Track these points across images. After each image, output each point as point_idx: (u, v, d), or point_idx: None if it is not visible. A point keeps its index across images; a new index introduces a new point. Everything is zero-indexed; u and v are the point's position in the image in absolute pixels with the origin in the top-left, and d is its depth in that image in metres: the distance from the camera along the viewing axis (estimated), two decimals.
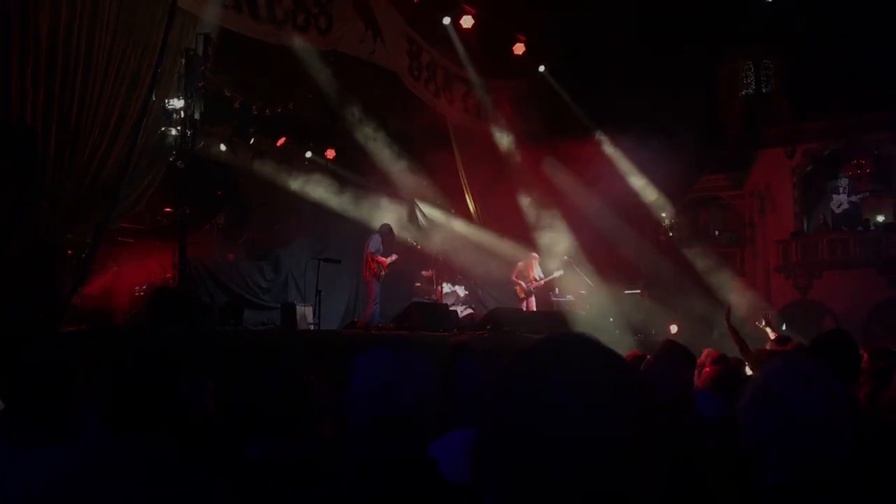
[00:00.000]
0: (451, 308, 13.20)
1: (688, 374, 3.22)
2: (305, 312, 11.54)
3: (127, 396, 3.07)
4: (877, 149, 22.49)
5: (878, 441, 3.20)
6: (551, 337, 1.06)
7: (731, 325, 8.32)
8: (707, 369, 5.34)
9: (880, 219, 23.32)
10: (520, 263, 14.79)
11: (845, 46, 20.81)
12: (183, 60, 9.52)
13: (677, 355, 3.19)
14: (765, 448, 1.81)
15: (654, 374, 3.03)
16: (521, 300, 14.51)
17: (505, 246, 15.83)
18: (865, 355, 6.56)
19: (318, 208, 15.29)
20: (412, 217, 15.72)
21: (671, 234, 21.14)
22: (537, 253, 15.12)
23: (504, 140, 16.53)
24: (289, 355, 7.56)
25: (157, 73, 9.38)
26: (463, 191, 16.46)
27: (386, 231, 12.80)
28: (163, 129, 9.64)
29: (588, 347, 1.03)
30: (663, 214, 20.41)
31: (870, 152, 22.45)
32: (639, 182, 18.99)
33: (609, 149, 18.48)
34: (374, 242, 12.55)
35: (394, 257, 12.67)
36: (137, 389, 3.24)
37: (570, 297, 15.61)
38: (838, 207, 23.81)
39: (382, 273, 12.53)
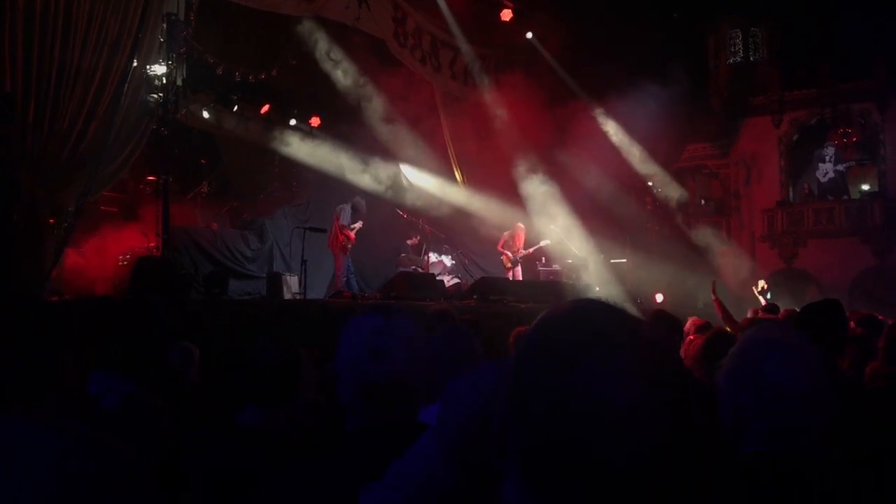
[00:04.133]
0: (437, 278, 13.18)
1: (674, 341, 3.21)
2: (291, 282, 11.47)
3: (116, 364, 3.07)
4: (863, 118, 22.53)
5: (863, 408, 3.22)
6: (563, 306, 1.01)
7: (718, 297, 8.37)
8: (691, 337, 5.37)
9: (865, 188, 23.45)
10: (506, 233, 14.76)
11: (833, 15, 20.74)
12: (164, 25, 9.35)
13: (665, 323, 3.18)
14: (744, 418, 1.81)
15: None
16: (508, 270, 14.51)
17: (492, 214, 15.80)
18: (852, 323, 6.61)
19: (302, 176, 15.18)
20: (397, 182, 15.63)
21: (657, 202, 21.17)
22: (524, 221, 15.10)
23: (491, 106, 16.43)
24: (275, 325, 7.52)
25: (137, 38, 9.22)
26: (449, 156, 16.40)
27: (358, 204, 12.66)
28: (144, 95, 9.49)
29: (615, 313, 0.98)
30: (650, 183, 20.41)
31: (856, 121, 22.49)
32: (626, 149, 18.95)
33: (596, 115, 18.42)
34: (346, 214, 12.41)
35: (359, 224, 12.55)
36: (122, 358, 3.23)
37: (556, 267, 15.63)
38: (824, 176, 23.88)
39: (349, 246, 12.43)
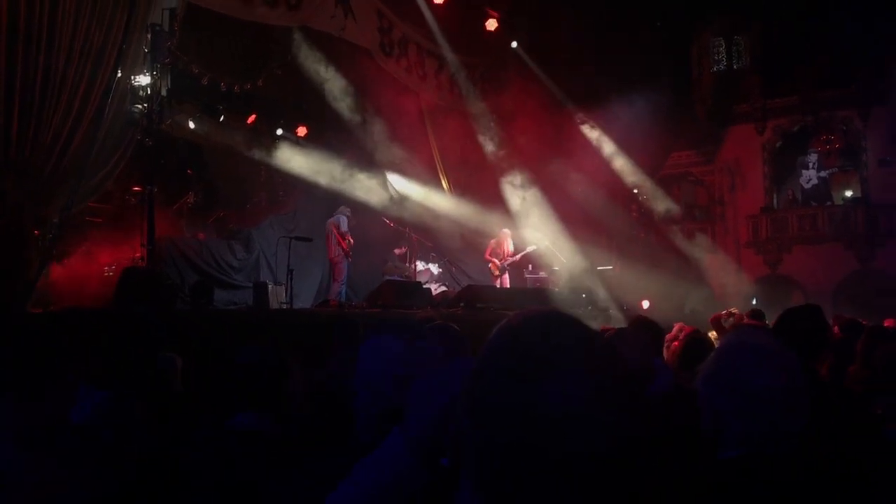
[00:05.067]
0: (424, 286, 13.20)
1: (651, 348, 3.25)
2: (277, 291, 11.48)
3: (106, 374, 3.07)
4: (845, 125, 22.74)
5: (844, 411, 3.25)
6: (529, 313, 1.02)
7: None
8: (675, 343, 5.42)
9: (848, 194, 23.65)
10: (492, 241, 14.81)
11: (815, 24, 20.94)
12: (149, 36, 9.34)
13: (645, 329, 3.21)
14: (723, 422, 1.83)
15: (618, 346, 3.04)
16: (496, 277, 14.55)
17: (479, 221, 15.84)
18: (836, 328, 6.68)
19: (288, 186, 15.17)
20: (384, 191, 15.66)
21: (643, 209, 21.28)
22: (511, 228, 15.15)
23: (477, 115, 16.50)
24: (262, 335, 7.51)
25: (122, 49, 9.20)
26: (436, 165, 16.44)
27: (349, 213, 12.88)
28: (129, 106, 9.47)
29: (567, 323, 1.00)
30: (636, 190, 20.52)
31: (838, 128, 22.70)
32: (612, 157, 19.06)
33: (582, 124, 18.55)
34: (344, 222, 12.61)
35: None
36: (109, 370, 3.23)
37: (543, 274, 15.68)
38: (807, 183, 24.08)
39: (350, 251, 12.63)
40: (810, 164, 23.91)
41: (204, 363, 4.78)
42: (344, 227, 12.59)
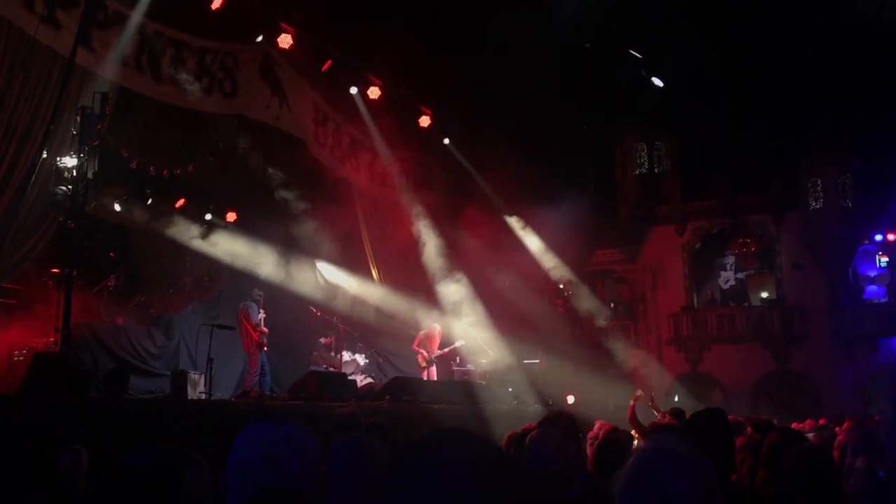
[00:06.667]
0: (350, 377, 12.99)
1: (571, 446, 3.26)
2: (197, 380, 11.09)
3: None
4: (760, 229, 23.84)
5: None
6: (427, 438, 1.06)
7: (634, 404, 8.61)
8: (599, 441, 5.44)
9: (764, 295, 24.58)
10: (422, 332, 14.78)
11: (732, 132, 22.18)
12: (78, 118, 9.26)
13: (561, 428, 3.23)
14: None
15: (538, 448, 3.05)
16: (423, 369, 14.44)
17: (408, 313, 15.82)
18: (749, 429, 6.83)
19: (214, 271, 14.91)
20: (313, 280, 15.52)
21: (569, 305, 21.61)
22: (440, 320, 15.16)
23: (408, 208, 16.71)
24: (176, 426, 7.25)
25: (49, 129, 9.10)
26: (366, 255, 16.47)
27: (260, 297, 12.52)
28: (53, 187, 9.29)
29: (464, 447, 1.04)
30: (561, 286, 20.88)
31: (754, 232, 23.77)
32: (538, 252, 19.48)
33: (510, 220, 19.00)
34: (254, 312, 12.23)
35: (262, 315, 12.38)
36: (10, 461, 3.05)
37: (470, 367, 15.64)
38: (726, 283, 24.98)
39: (265, 340, 12.23)
40: (728, 266, 24.88)
41: (109, 459, 4.57)
42: (254, 316, 12.18)
